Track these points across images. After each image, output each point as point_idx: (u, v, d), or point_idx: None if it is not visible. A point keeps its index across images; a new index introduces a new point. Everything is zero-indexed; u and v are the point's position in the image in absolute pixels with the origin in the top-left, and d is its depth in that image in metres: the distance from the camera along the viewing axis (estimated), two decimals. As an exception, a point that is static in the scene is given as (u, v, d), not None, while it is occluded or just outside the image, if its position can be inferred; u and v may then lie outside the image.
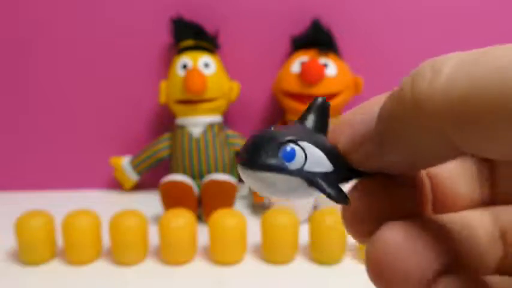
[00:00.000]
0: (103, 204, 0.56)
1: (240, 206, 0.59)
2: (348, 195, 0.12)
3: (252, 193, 0.59)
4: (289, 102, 0.57)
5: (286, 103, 0.58)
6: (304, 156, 0.11)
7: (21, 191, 0.69)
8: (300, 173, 0.11)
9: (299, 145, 0.11)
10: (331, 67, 0.56)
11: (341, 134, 0.12)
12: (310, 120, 0.13)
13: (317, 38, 0.59)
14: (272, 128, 0.12)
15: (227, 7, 0.64)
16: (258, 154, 0.11)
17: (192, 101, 0.58)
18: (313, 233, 0.41)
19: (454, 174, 0.13)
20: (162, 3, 0.64)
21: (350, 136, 0.12)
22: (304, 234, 0.42)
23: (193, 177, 0.59)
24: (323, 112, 0.13)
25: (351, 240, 0.41)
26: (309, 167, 0.11)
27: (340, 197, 0.12)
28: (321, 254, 0.41)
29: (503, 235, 0.13)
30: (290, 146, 0.11)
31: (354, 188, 0.12)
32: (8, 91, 0.67)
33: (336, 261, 0.41)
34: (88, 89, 0.67)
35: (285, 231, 0.40)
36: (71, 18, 0.65)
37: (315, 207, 0.52)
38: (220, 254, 0.41)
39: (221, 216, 0.41)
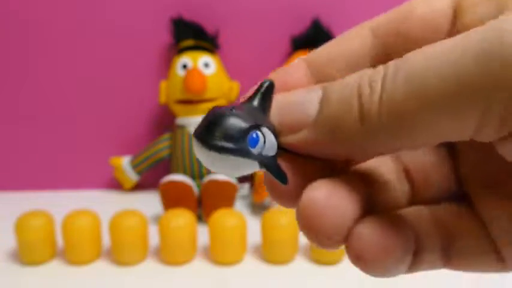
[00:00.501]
0: (103, 204, 0.56)
1: (240, 206, 0.59)
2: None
3: (252, 193, 0.59)
4: (289, 102, 0.57)
5: (286, 103, 0.58)
6: (263, 141, 0.12)
7: (21, 191, 0.69)
8: (260, 157, 0.12)
9: (261, 131, 0.12)
10: (331, 67, 0.56)
11: (275, 114, 0.13)
12: (257, 101, 0.14)
13: (317, 38, 0.59)
14: (232, 108, 0.13)
15: (227, 7, 0.64)
16: (223, 137, 0.12)
17: (192, 101, 0.58)
18: (313, 233, 0.41)
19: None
20: (162, 3, 0.64)
21: (286, 118, 0.13)
22: (304, 234, 0.42)
23: (193, 177, 0.59)
24: (269, 93, 0.14)
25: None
26: (266, 151, 0.12)
27: (283, 178, 0.12)
28: (320, 254, 0.41)
29: (407, 173, 0.15)
30: (256, 133, 0.12)
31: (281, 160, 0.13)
32: (8, 91, 0.67)
33: (336, 262, 0.41)
34: (88, 89, 0.67)
35: (285, 231, 0.40)
36: (70, 18, 0.65)
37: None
38: (220, 254, 0.41)
39: (221, 216, 0.41)
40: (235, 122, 0.12)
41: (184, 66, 0.58)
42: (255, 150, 0.12)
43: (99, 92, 0.67)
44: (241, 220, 0.42)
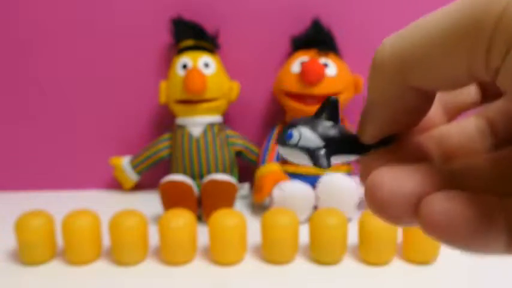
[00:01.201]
0: (103, 204, 0.56)
1: (240, 206, 0.59)
2: (331, 163, 0.16)
3: (252, 193, 0.59)
4: (289, 102, 0.57)
5: (286, 103, 0.58)
6: (299, 136, 0.16)
7: (21, 191, 0.69)
8: (295, 146, 0.16)
9: (298, 130, 0.16)
10: (331, 67, 0.56)
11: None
12: (323, 113, 0.17)
13: (317, 38, 0.59)
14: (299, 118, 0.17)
15: (227, 7, 0.64)
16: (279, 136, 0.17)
17: (192, 101, 0.58)
18: (313, 233, 0.41)
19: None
20: (162, 3, 0.64)
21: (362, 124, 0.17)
22: (304, 234, 0.42)
23: (193, 177, 0.59)
24: (334, 107, 0.17)
25: (350, 240, 0.41)
26: (302, 143, 0.16)
27: (321, 162, 0.16)
28: (321, 254, 0.41)
29: (491, 125, 0.16)
30: (290, 130, 0.16)
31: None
32: (8, 91, 0.67)
33: (336, 262, 0.41)
34: (88, 89, 0.67)
35: (285, 231, 0.40)
36: (71, 19, 0.65)
37: (315, 208, 0.52)
38: (220, 254, 0.41)
39: (221, 216, 0.41)
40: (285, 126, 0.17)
41: (184, 66, 0.58)
42: (290, 142, 0.16)
43: (99, 92, 0.67)
44: (241, 220, 0.42)
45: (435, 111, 0.17)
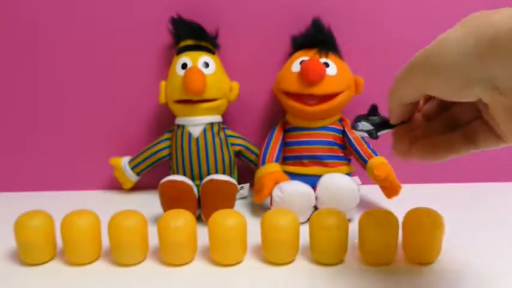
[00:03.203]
0: (103, 204, 0.56)
1: (240, 206, 0.59)
2: (378, 136, 0.34)
3: (252, 193, 0.59)
4: (289, 102, 0.57)
5: (286, 103, 0.57)
6: (361, 125, 0.34)
7: (21, 191, 0.69)
8: (360, 130, 0.34)
9: (360, 121, 0.34)
10: (331, 67, 0.56)
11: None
12: (371, 111, 0.34)
13: (317, 38, 0.59)
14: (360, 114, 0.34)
15: (227, 7, 0.64)
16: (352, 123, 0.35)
17: (192, 101, 0.58)
18: (313, 234, 0.41)
19: None
20: (162, 3, 0.64)
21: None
22: (304, 234, 0.42)
23: (192, 177, 0.59)
24: (375, 109, 0.34)
25: (351, 240, 0.41)
26: (362, 127, 0.34)
27: (373, 137, 0.34)
28: (321, 254, 0.41)
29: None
30: (355, 122, 0.34)
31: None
32: (7, 91, 0.67)
33: (336, 262, 0.41)
34: (88, 89, 0.67)
35: (285, 232, 0.40)
36: (70, 19, 0.65)
37: (315, 208, 0.52)
38: (220, 255, 0.41)
39: (221, 217, 0.41)
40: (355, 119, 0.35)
41: (184, 66, 0.58)
42: (357, 129, 0.34)
43: (99, 92, 0.67)
44: (241, 220, 0.41)
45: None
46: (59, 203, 0.58)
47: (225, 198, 0.51)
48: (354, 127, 0.34)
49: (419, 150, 0.32)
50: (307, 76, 0.54)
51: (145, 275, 0.40)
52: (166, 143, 0.62)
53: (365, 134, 0.34)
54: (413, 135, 0.33)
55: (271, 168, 0.56)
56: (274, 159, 0.57)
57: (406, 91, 0.30)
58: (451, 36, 0.26)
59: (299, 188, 0.51)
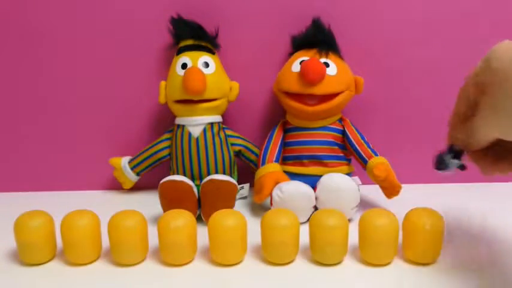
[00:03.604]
0: (103, 205, 0.56)
1: (240, 206, 0.59)
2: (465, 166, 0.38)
3: (252, 193, 0.59)
4: (289, 102, 0.57)
5: (286, 103, 0.57)
6: (451, 162, 0.38)
7: (21, 191, 0.69)
8: (452, 165, 0.38)
9: (449, 161, 0.38)
10: (331, 67, 0.56)
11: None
12: (450, 148, 0.38)
13: (317, 38, 0.59)
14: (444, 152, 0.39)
15: (227, 7, 0.64)
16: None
17: (192, 100, 0.58)
18: (313, 234, 0.41)
19: None
20: (162, 3, 0.64)
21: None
22: (304, 234, 0.42)
23: (192, 177, 0.59)
24: (453, 148, 0.38)
25: (351, 240, 0.41)
26: (453, 165, 0.38)
27: (464, 167, 0.38)
28: (321, 254, 0.41)
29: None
30: (447, 162, 0.38)
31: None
32: (7, 91, 0.67)
33: (336, 262, 0.41)
34: (88, 89, 0.67)
35: (285, 232, 0.40)
36: (70, 19, 0.65)
37: (315, 208, 0.52)
38: (220, 255, 0.41)
39: (221, 217, 0.41)
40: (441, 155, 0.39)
41: (184, 66, 0.58)
42: (451, 165, 0.38)
43: (99, 92, 0.67)
44: (241, 220, 0.41)
45: None
46: (59, 203, 0.58)
47: (225, 198, 0.51)
48: (444, 168, 0.38)
49: (505, 168, 0.36)
50: (307, 76, 0.54)
51: (145, 275, 0.40)
52: (166, 143, 0.62)
53: (453, 171, 0.38)
54: (490, 157, 0.37)
55: (271, 168, 0.56)
56: (274, 159, 0.57)
57: (491, 135, 0.33)
58: None
59: (299, 188, 0.51)
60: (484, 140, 0.34)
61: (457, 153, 0.38)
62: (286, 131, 0.60)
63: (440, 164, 0.38)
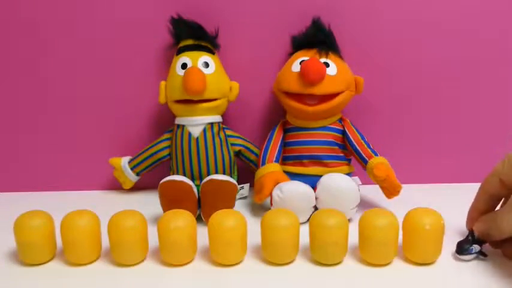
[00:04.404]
0: (103, 205, 0.56)
1: (240, 206, 0.59)
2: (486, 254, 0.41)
3: (252, 193, 0.59)
4: (289, 102, 0.57)
5: (287, 103, 0.57)
6: (474, 247, 0.41)
7: (21, 191, 0.69)
8: (474, 251, 0.41)
9: (470, 247, 0.41)
10: (331, 67, 0.56)
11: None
12: (472, 236, 0.42)
13: (317, 38, 0.59)
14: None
15: (227, 7, 0.64)
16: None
17: (192, 100, 0.58)
18: (313, 234, 0.41)
19: None
20: (162, 3, 0.64)
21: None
22: (304, 234, 0.42)
23: (192, 177, 0.59)
24: (472, 235, 0.42)
25: (351, 240, 0.41)
26: (475, 250, 0.41)
27: (484, 255, 0.41)
28: (321, 254, 0.41)
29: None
30: (469, 248, 0.41)
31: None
32: (7, 91, 0.67)
33: (336, 262, 0.41)
34: (88, 89, 0.67)
35: (285, 232, 0.40)
36: (70, 18, 0.65)
37: (315, 208, 0.52)
38: (220, 255, 0.41)
39: (221, 217, 0.41)
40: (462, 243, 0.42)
41: (184, 66, 0.58)
42: (473, 251, 0.41)
43: (99, 92, 0.67)
44: (241, 220, 0.41)
45: None
46: (59, 203, 0.58)
47: (225, 198, 0.51)
48: (465, 253, 0.41)
49: None
50: (307, 76, 0.54)
51: (145, 275, 0.40)
52: (166, 143, 0.62)
53: (474, 257, 0.41)
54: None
55: (271, 168, 0.56)
56: (274, 159, 0.57)
57: None
58: None
59: (299, 188, 0.51)
60: (509, 232, 0.37)
61: (477, 241, 0.41)
62: (286, 131, 0.60)
63: (461, 250, 0.41)
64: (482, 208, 0.42)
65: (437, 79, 0.66)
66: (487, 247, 0.42)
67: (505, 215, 0.38)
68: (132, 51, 0.65)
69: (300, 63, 0.56)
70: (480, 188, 0.43)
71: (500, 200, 0.42)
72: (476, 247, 0.41)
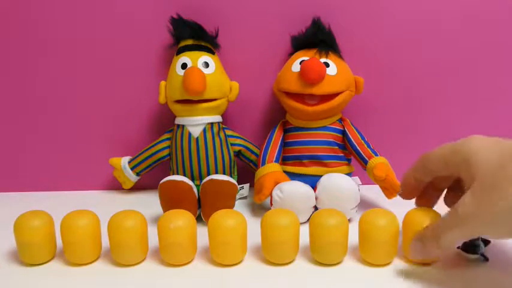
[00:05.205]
0: (103, 205, 0.56)
1: (240, 206, 0.59)
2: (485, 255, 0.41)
3: (252, 193, 0.59)
4: (289, 102, 0.57)
5: (287, 103, 0.57)
6: (482, 247, 0.41)
7: (21, 191, 0.69)
8: (480, 250, 0.41)
9: (479, 246, 0.41)
10: (331, 67, 0.56)
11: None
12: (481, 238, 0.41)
13: (317, 38, 0.59)
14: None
15: (227, 7, 0.64)
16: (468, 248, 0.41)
17: (192, 100, 0.58)
18: (313, 234, 0.41)
19: None
20: (162, 3, 0.64)
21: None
22: (304, 234, 0.42)
23: (192, 177, 0.59)
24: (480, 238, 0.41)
25: (351, 240, 0.41)
26: (482, 250, 0.41)
27: (486, 259, 0.41)
28: (321, 254, 0.41)
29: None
30: (477, 249, 0.41)
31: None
32: (7, 91, 0.67)
33: (336, 262, 0.41)
34: (88, 89, 0.67)
35: (285, 232, 0.40)
36: (70, 18, 0.65)
37: (315, 208, 0.52)
38: (220, 255, 0.41)
39: (221, 217, 0.41)
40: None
41: (184, 66, 0.58)
42: (481, 250, 0.41)
43: (99, 92, 0.67)
44: (241, 220, 0.41)
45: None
46: (59, 203, 0.58)
47: (225, 198, 0.51)
48: (472, 252, 0.41)
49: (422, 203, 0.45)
50: (307, 76, 0.54)
51: (145, 275, 0.40)
52: (166, 143, 0.62)
53: (477, 256, 0.41)
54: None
55: (271, 168, 0.56)
56: (274, 159, 0.57)
57: (462, 238, 0.36)
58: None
59: (299, 188, 0.51)
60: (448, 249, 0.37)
61: (484, 240, 0.41)
62: (286, 131, 0.60)
63: (469, 248, 0.41)
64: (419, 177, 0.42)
65: (437, 79, 0.66)
66: (487, 248, 0.42)
67: (447, 231, 0.35)
68: (132, 51, 0.65)
69: (300, 63, 0.56)
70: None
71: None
72: (483, 247, 0.40)
